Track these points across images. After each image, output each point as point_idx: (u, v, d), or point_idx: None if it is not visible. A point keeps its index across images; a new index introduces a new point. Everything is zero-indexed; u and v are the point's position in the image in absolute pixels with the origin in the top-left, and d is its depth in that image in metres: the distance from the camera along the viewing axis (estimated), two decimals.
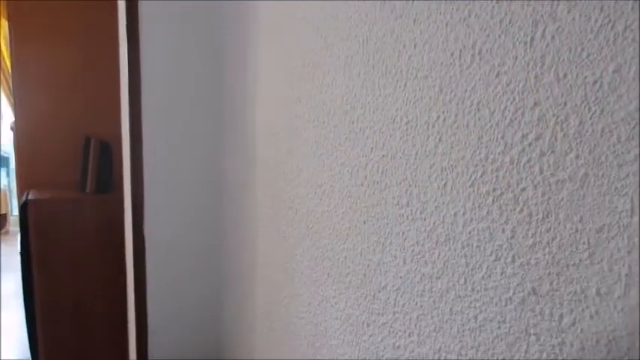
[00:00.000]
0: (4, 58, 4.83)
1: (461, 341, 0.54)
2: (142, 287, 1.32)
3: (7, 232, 5.27)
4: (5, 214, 5.26)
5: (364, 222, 0.70)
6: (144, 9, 1.22)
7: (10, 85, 4.77)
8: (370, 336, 0.70)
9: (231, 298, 1.32)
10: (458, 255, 0.54)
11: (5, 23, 4.69)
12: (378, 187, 0.67)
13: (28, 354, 2.86)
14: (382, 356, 0.67)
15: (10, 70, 4.72)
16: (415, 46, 0.59)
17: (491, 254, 0.51)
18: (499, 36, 0.49)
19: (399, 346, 0.64)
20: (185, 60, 1.28)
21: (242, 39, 1.16)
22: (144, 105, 1.26)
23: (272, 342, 1.06)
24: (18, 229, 4.74)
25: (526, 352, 0.47)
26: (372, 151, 0.68)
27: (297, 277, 0.92)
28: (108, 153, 1.78)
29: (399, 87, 0.62)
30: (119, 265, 1.81)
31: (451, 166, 0.55)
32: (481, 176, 0.51)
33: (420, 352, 0.60)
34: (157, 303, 1.35)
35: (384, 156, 0.65)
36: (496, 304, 0.50)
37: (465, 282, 0.54)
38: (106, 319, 1.87)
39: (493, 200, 0.50)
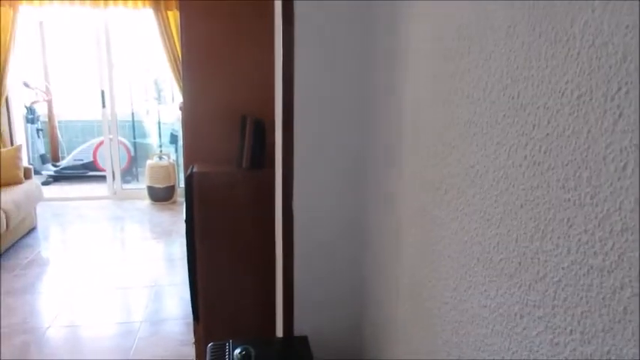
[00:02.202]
0: (175, 46, 5.36)
1: (636, 345, 0.48)
2: (290, 259, 1.38)
3: (174, 202, 5.91)
4: (173, 186, 5.90)
5: (521, 206, 0.65)
6: None
7: (180, 70, 5.30)
8: (524, 328, 0.65)
9: (375, 276, 1.33)
10: (638, 247, 0.47)
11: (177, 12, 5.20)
12: (539, 168, 0.61)
13: (189, 309, 3.21)
14: (537, 351, 0.62)
15: (180, 57, 5.22)
16: (594, 10, 0.52)
17: None
18: None
19: (557, 343, 0.58)
20: (336, 39, 1.29)
21: (393, 15, 1.14)
22: (296, 88, 1.30)
23: (415, 324, 1.04)
24: (183, 199, 5.28)
25: None
26: (534, 128, 0.62)
27: (443, 260, 0.89)
28: (262, 131, 1.88)
29: (571, 56, 0.55)
30: (269, 237, 1.92)
31: (634, 145, 0.47)
32: None
33: (584, 351, 0.54)
34: (302, 277, 1.41)
35: (548, 134, 0.59)
36: None
37: None
38: (257, 286, 2.01)
39: None
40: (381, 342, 1.29)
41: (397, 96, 1.13)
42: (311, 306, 1.42)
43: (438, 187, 0.91)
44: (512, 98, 0.66)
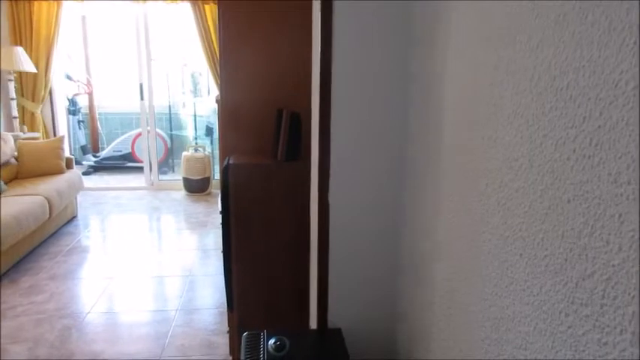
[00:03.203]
0: (212, 39, 5.43)
1: None
2: (325, 251, 1.38)
3: (209, 194, 5.99)
4: (208, 178, 5.98)
5: (568, 201, 0.63)
6: None
7: (216, 63, 5.36)
8: (569, 327, 0.63)
9: (410, 270, 1.32)
10: None
11: (214, 6, 5.25)
12: (589, 162, 0.59)
13: (222, 299, 3.25)
14: (583, 351, 0.60)
15: (216, 50, 5.28)
16: None
17: None
18: None
19: (605, 343, 0.56)
20: (374, 32, 1.28)
21: (433, 4, 1.12)
22: (333, 81, 1.30)
23: (451, 320, 1.03)
24: (218, 191, 5.33)
25: None
26: (584, 121, 0.60)
27: (482, 255, 0.87)
28: (298, 124, 1.89)
29: (627, 45, 0.53)
30: (303, 228, 1.93)
31: None
32: None
33: (635, 352, 0.52)
34: (337, 269, 1.41)
35: (599, 127, 0.57)
36: None
37: None
38: (291, 277, 2.02)
39: None
40: (416, 336, 1.27)
41: (437, 88, 1.11)
42: (345, 299, 1.42)
43: (478, 181, 0.89)
44: (561, 89, 0.64)
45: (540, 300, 0.69)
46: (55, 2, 5.36)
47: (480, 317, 0.89)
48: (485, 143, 0.86)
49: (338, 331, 1.41)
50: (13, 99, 5.32)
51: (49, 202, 4.22)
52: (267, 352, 1.28)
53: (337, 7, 1.27)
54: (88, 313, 3.20)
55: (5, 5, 5.31)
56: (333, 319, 1.44)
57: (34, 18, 5.35)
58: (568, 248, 0.63)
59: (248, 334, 1.37)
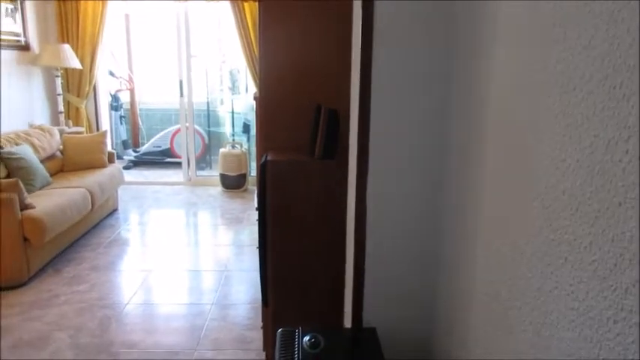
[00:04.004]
0: (251, 37, 5.48)
1: None
2: (361, 249, 1.38)
3: (245, 190, 6.06)
4: (245, 174, 6.05)
5: (620, 204, 0.60)
6: None
7: (254, 60, 5.42)
8: (617, 335, 0.60)
9: (448, 270, 1.30)
10: None
11: (254, 5, 5.30)
12: None
13: (256, 295, 3.29)
14: (632, 359, 0.58)
15: (255, 47, 5.33)
16: None
17: None
18: None
19: None
20: (415, 28, 1.27)
21: (476, 3, 1.10)
22: (373, 79, 1.29)
23: (491, 323, 1.01)
24: (254, 187, 5.38)
25: None
26: (639, 121, 0.57)
27: (525, 257, 0.85)
28: (336, 121, 1.88)
29: None
30: (339, 226, 1.93)
31: None
32: None
33: None
34: (373, 268, 1.40)
35: None
36: None
37: None
38: (326, 274, 2.02)
39: None
40: (453, 338, 1.26)
41: (480, 87, 1.09)
42: (381, 298, 1.41)
43: (522, 182, 0.87)
44: (614, 88, 0.62)
45: (587, 306, 0.67)
46: (101, 1, 5.51)
47: (521, 321, 0.87)
48: (530, 144, 0.84)
49: (373, 331, 1.40)
50: (59, 94, 5.51)
51: (91, 195, 4.35)
52: (302, 348, 1.28)
53: (378, 7, 1.26)
54: (127, 304, 3.29)
55: (53, 4, 5.50)
56: (368, 319, 1.43)
57: (81, 16, 5.52)
58: (618, 253, 0.61)
59: (283, 331, 1.38)
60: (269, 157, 1.96)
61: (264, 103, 2.15)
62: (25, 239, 3.47)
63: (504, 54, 0.97)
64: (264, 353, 2.53)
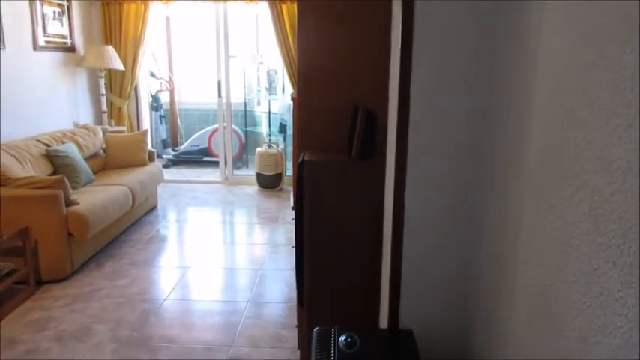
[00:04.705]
0: (288, 38, 5.52)
1: None
2: (399, 250, 1.37)
3: (281, 190, 6.11)
4: (281, 174, 6.09)
5: None
6: None
7: (291, 60, 5.46)
8: None
9: (488, 273, 1.28)
10: None
11: (292, 5, 5.34)
12: None
13: (291, 294, 3.31)
14: None
15: (292, 47, 5.36)
16: None
17: None
18: None
19: None
20: (456, 29, 1.25)
21: (520, 2, 1.08)
22: (413, 80, 1.29)
23: (532, 329, 0.99)
24: (289, 187, 5.41)
25: None
26: None
27: (571, 261, 0.83)
28: (373, 122, 1.88)
29: None
30: (376, 227, 1.92)
31: None
32: None
33: None
34: (410, 269, 1.39)
35: None
36: None
37: None
38: (363, 275, 2.02)
39: None
40: (492, 341, 1.24)
41: (522, 88, 1.07)
42: (418, 299, 1.40)
43: (567, 184, 0.85)
44: None
45: (635, 312, 0.65)
46: (143, 3, 5.66)
47: (564, 326, 0.85)
48: (578, 144, 0.82)
49: (409, 332, 1.39)
50: (102, 95, 5.69)
51: (132, 193, 4.47)
52: (338, 348, 1.28)
53: (418, 7, 1.25)
54: (165, 299, 3.36)
55: (98, 7, 5.68)
56: (405, 320, 1.42)
57: (124, 19, 5.69)
58: None
59: (319, 330, 1.38)
60: (306, 157, 1.97)
61: (302, 103, 2.17)
62: (70, 234, 3.59)
63: (552, 54, 0.94)
64: (299, 352, 2.54)
